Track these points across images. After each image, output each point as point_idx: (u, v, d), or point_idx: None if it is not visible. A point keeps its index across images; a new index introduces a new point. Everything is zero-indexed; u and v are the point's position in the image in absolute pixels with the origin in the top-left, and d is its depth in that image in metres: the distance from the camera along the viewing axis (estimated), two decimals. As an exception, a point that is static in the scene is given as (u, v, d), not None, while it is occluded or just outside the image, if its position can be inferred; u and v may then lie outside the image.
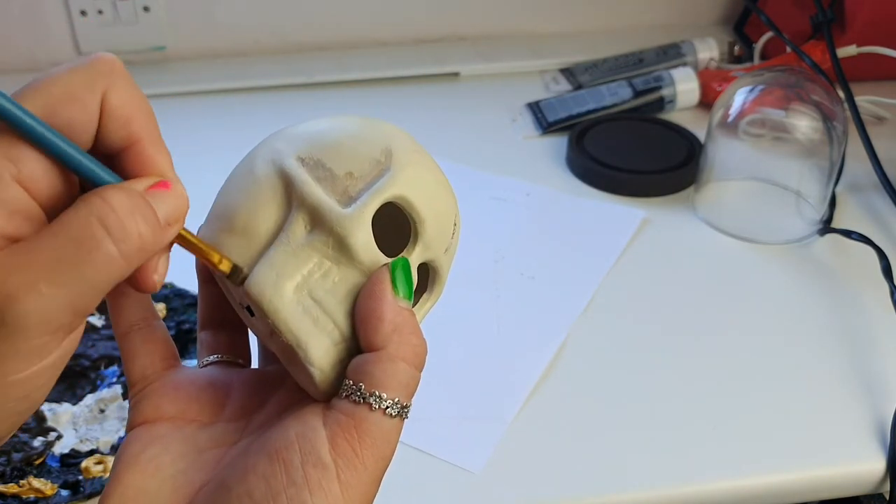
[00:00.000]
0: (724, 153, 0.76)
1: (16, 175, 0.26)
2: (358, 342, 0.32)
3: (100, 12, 0.94)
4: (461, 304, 0.67)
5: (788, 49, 0.89)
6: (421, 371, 0.32)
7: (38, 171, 0.27)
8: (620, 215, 0.77)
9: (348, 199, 0.32)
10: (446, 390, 0.60)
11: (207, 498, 0.31)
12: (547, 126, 0.88)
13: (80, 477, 0.54)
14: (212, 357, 0.37)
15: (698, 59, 0.96)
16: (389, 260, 0.32)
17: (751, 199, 0.79)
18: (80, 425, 0.58)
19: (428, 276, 0.36)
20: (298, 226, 0.32)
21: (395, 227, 0.34)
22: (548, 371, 0.62)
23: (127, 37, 0.96)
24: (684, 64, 0.95)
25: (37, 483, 0.53)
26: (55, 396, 0.59)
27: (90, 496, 0.53)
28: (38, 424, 0.57)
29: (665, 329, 0.66)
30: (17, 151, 0.26)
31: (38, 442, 0.56)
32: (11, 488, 0.53)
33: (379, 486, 0.31)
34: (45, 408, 0.58)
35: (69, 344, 0.28)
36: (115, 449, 0.56)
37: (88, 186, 0.28)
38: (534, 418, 0.58)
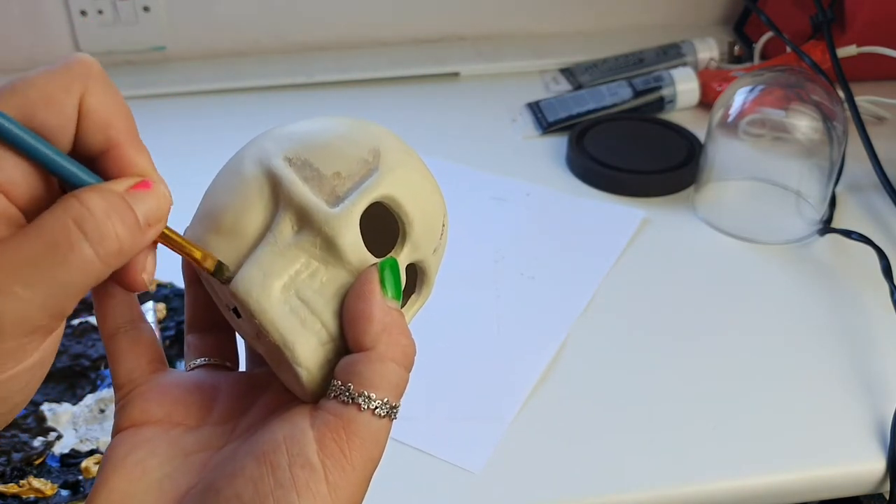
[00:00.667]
0: (724, 153, 0.76)
1: None
2: (346, 342, 0.32)
3: (100, 12, 0.94)
4: (461, 304, 0.67)
5: (788, 49, 0.89)
6: (410, 371, 0.32)
7: (16, 175, 0.27)
8: (620, 215, 0.77)
9: (336, 199, 0.32)
10: (446, 390, 0.60)
11: (194, 501, 0.30)
12: (547, 126, 0.88)
13: (80, 477, 0.54)
14: (199, 360, 0.37)
15: (698, 59, 0.96)
16: (378, 260, 0.32)
17: (751, 199, 0.79)
18: (80, 425, 0.58)
19: (416, 277, 0.35)
20: (286, 226, 0.32)
21: (383, 227, 0.34)
22: (548, 371, 0.62)
23: (127, 37, 0.96)
24: (684, 64, 0.95)
25: (37, 483, 0.53)
26: (55, 396, 0.59)
27: (90, 496, 0.53)
28: (38, 424, 0.57)
29: (665, 329, 0.66)
30: None
31: (38, 442, 0.56)
32: (11, 488, 0.53)
33: (367, 487, 0.31)
34: (45, 408, 0.58)
35: (49, 346, 0.28)
36: (114, 449, 0.56)
37: (69, 189, 0.28)
38: (534, 418, 0.58)
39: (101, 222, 0.27)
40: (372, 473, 0.31)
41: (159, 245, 0.31)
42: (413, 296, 0.36)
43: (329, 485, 0.29)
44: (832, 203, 0.77)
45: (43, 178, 0.28)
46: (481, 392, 0.60)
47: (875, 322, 0.66)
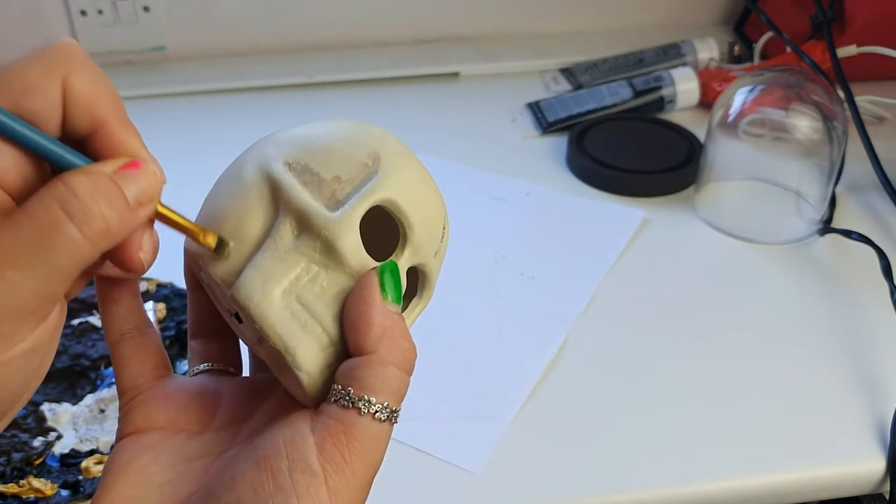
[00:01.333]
0: (724, 153, 0.76)
1: None
2: (346, 347, 0.32)
3: (100, 12, 0.94)
4: (461, 304, 0.67)
5: (788, 49, 0.89)
6: (410, 375, 0.32)
7: (5, 163, 0.27)
8: (620, 215, 0.77)
9: (336, 203, 0.32)
10: (446, 390, 0.60)
11: None
12: (547, 126, 0.88)
13: (80, 477, 0.54)
14: (202, 365, 0.37)
15: (698, 59, 0.96)
16: (378, 264, 0.32)
17: (751, 199, 0.79)
18: (80, 425, 0.58)
19: (417, 280, 0.35)
20: (286, 230, 0.32)
21: (384, 231, 0.34)
22: (548, 371, 0.62)
23: (127, 37, 0.96)
24: (684, 64, 0.95)
25: (37, 483, 0.53)
26: (55, 396, 0.59)
27: (90, 496, 0.53)
28: (38, 424, 0.57)
29: (665, 329, 0.66)
30: None
31: (38, 442, 0.56)
32: (11, 488, 0.53)
33: (368, 492, 0.31)
34: (45, 408, 0.58)
35: (45, 334, 0.28)
36: (115, 449, 0.56)
37: (59, 172, 0.28)
38: (534, 418, 0.58)
39: (86, 203, 0.27)
40: (372, 478, 0.31)
41: (159, 248, 0.31)
42: (414, 299, 0.35)
43: (329, 489, 0.29)
44: (832, 203, 0.77)
45: (34, 165, 0.28)
46: (481, 392, 0.60)
47: (875, 322, 0.66)
